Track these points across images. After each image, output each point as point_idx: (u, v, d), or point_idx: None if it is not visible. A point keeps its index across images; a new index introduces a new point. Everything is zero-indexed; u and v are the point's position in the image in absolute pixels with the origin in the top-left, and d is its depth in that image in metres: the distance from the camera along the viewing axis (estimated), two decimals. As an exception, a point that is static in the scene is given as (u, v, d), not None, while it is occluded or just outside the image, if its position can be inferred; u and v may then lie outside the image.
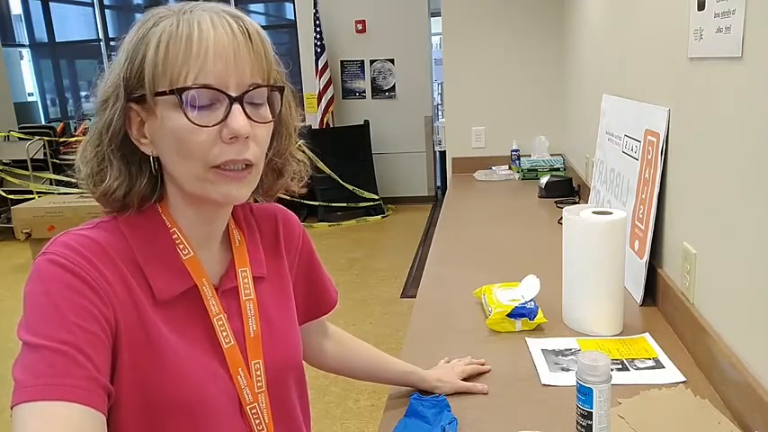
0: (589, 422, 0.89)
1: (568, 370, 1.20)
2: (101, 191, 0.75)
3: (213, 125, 0.70)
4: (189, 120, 0.69)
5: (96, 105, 0.75)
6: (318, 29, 6.33)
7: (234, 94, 0.70)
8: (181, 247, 0.78)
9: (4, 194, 5.89)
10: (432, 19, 6.66)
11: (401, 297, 4.16)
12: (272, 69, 0.75)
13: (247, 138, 0.71)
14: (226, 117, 0.70)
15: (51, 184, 6.03)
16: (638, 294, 1.51)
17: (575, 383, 0.90)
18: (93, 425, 0.63)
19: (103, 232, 0.74)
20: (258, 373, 0.81)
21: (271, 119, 0.76)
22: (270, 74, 0.75)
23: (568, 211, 1.37)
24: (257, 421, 0.81)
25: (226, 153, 0.71)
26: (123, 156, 0.75)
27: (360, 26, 6.57)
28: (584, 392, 0.88)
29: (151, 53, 0.70)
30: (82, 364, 0.64)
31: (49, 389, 0.62)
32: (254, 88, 0.72)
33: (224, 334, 0.79)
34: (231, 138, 0.70)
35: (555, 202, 2.63)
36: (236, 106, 0.70)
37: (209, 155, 0.71)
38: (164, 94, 0.70)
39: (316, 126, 6.40)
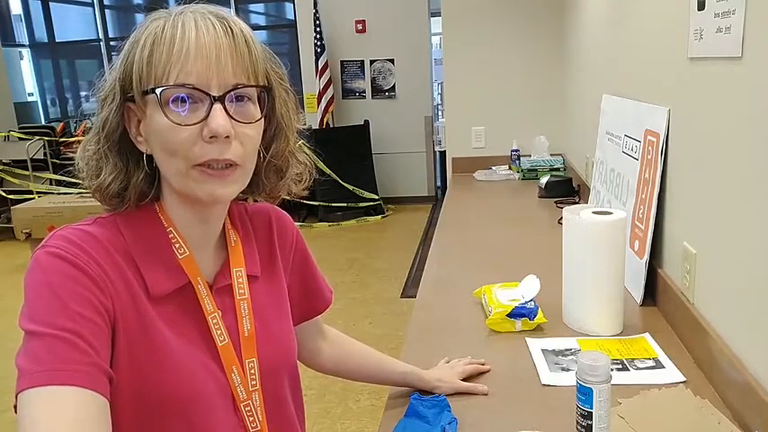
0: (589, 422, 0.89)
1: (568, 370, 1.20)
2: (96, 185, 0.77)
3: (193, 124, 0.71)
4: (167, 118, 0.71)
5: (98, 103, 0.77)
6: (318, 29, 6.33)
7: (215, 94, 0.71)
8: (177, 246, 0.79)
9: (4, 194, 5.89)
10: (432, 19, 6.65)
11: (401, 297, 4.16)
12: (261, 69, 0.76)
13: (228, 137, 0.72)
14: (207, 116, 0.71)
15: (51, 184, 6.03)
16: (638, 294, 1.51)
17: (575, 383, 0.90)
18: (97, 407, 0.64)
19: (101, 228, 0.76)
20: (252, 371, 0.82)
21: (258, 118, 0.76)
22: (257, 74, 0.75)
23: (568, 211, 1.37)
24: (251, 418, 0.82)
25: (207, 152, 0.72)
26: (120, 152, 0.77)
27: (360, 26, 6.57)
28: (584, 392, 0.88)
29: (138, 54, 0.72)
30: (84, 350, 0.65)
31: (53, 374, 0.63)
32: (238, 88, 0.73)
33: (218, 332, 0.80)
34: (211, 137, 0.71)
35: (555, 202, 2.63)
36: (218, 106, 0.71)
37: (191, 153, 0.72)
38: (147, 93, 0.72)
39: (316, 126, 6.40)
